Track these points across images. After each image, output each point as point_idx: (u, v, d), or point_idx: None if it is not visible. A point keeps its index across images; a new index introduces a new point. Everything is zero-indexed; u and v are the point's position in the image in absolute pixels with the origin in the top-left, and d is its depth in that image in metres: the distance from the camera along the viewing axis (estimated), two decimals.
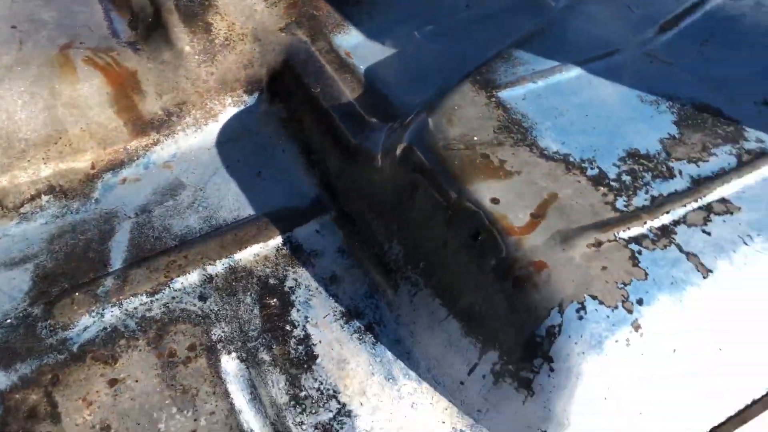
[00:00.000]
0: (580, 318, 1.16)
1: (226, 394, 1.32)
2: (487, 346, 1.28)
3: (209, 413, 1.30)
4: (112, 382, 1.33)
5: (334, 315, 1.44)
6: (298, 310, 1.45)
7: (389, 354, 1.39)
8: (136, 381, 1.33)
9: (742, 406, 1.27)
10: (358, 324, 1.43)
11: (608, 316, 1.16)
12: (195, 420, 1.29)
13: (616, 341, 1.15)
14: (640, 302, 1.17)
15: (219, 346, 1.38)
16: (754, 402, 1.28)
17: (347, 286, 1.49)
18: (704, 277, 1.21)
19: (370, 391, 1.33)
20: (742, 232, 1.27)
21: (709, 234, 1.26)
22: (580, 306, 1.17)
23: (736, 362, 1.24)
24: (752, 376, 1.28)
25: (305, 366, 1.37)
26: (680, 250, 1.23)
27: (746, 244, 1.25)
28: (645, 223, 1.27)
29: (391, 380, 1.35)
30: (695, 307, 1.19)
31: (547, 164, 1.37)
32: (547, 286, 1.19)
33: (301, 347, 1.39)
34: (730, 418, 1.27)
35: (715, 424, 1.25)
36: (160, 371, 1.34)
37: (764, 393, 1.29)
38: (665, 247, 1.23)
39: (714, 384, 1.23)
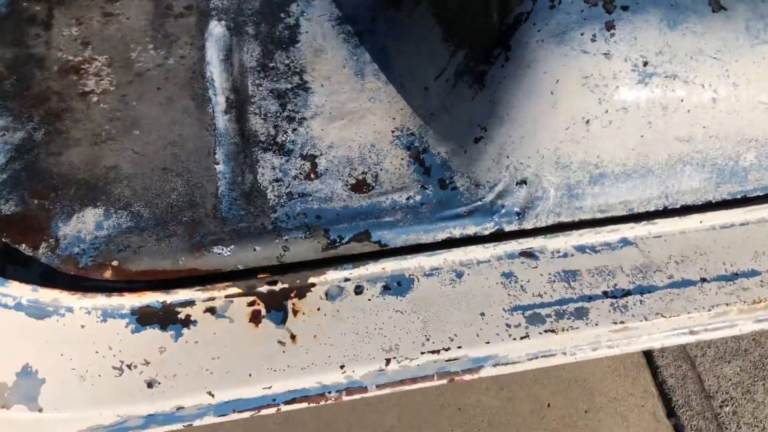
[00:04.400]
0: (552, 7, 1.05)
1: (202, 48, 1.34)
2: (458, 47, 1.19)
3: (180, 56, 1.32)
4: (107, 15, 1.38)
5: (330, 16, 1.41)
6: (298, 5, 1.42)
7: (367, 56, 1.34)
8: (128, 18, 1.37)
9: None
10: (350, 28, 1.39)
11: (583, 10, 1.04)
12: (165, 58, 1.32)
13: (582, 34, 1.03)
14: (624, 8, 1.04)
15: (213, 12, 1.39)
16: None
17: None
18: (714, 12, 1.05)
19: (335, 78, 1.30)
20: None
21: None
22: None
23: None
24: None
25: (283, 45, 1.35)
26: None
27: None
28: None
29: (359, 75, 1.31)
30: (685, 32, 1.04)
31: None
32: None
33: (287, 31, 1.38)
34: None
35: None
36: (151, 17, 1.38)
37: None
38: None
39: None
